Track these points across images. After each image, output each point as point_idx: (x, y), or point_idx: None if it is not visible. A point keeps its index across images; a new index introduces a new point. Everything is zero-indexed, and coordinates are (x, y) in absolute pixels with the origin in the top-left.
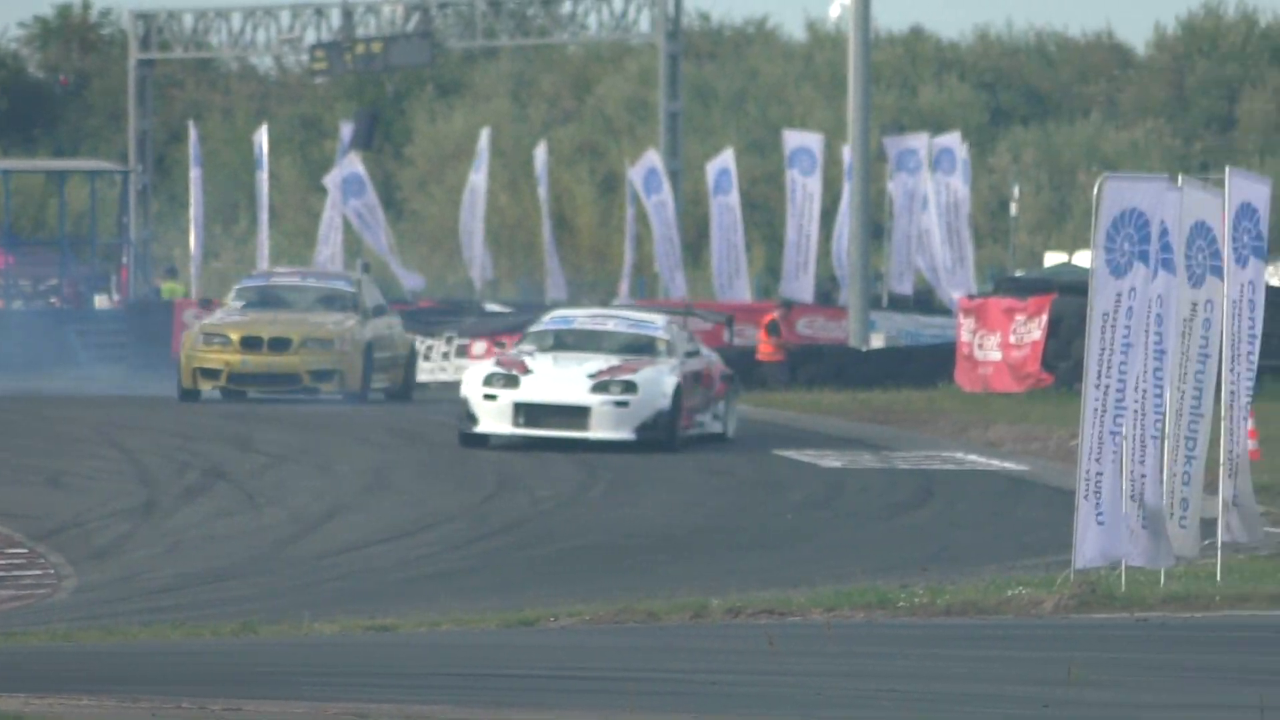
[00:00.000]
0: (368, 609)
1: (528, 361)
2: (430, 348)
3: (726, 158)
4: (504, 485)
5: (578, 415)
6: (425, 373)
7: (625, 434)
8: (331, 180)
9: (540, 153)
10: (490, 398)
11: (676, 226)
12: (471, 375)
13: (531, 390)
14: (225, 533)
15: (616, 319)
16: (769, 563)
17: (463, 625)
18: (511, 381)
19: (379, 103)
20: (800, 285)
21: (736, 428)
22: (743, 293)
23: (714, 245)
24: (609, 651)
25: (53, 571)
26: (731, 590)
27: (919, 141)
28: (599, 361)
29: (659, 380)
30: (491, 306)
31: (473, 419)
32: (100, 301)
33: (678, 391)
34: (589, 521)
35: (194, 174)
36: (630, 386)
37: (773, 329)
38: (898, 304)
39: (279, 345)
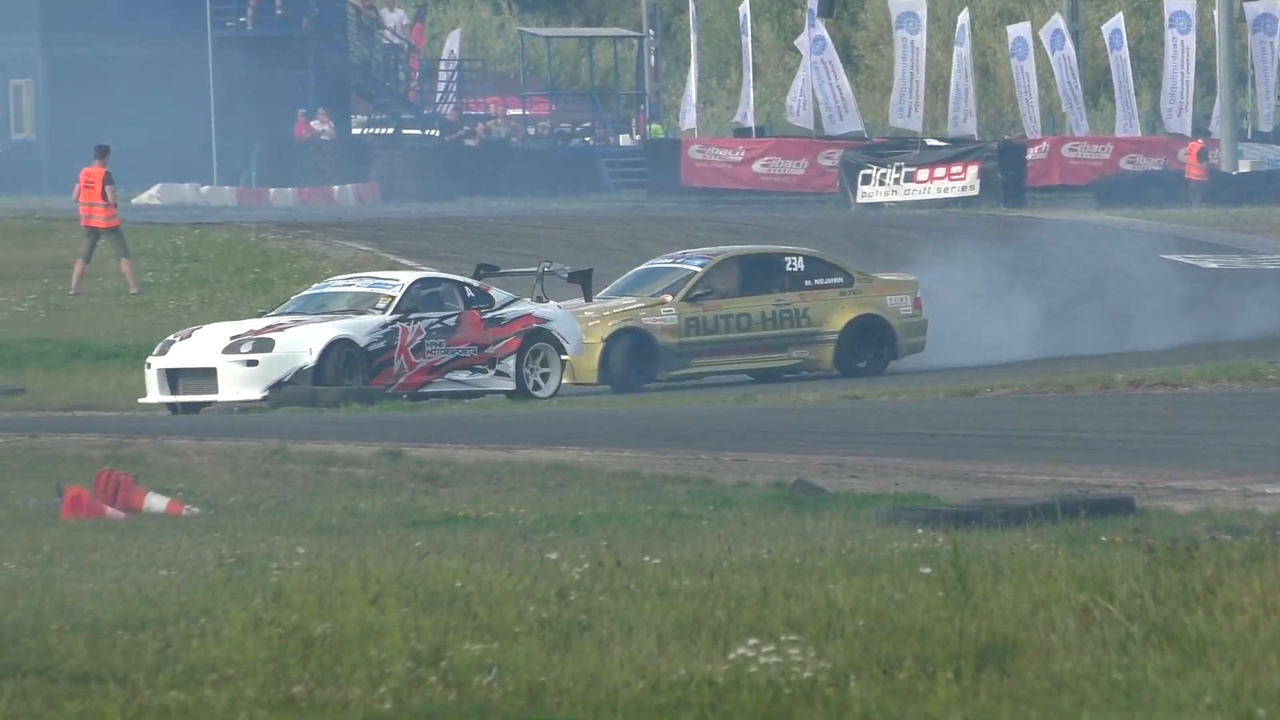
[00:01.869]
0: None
1: (196, 329)
2: (883, 174)
3: (1118, 20)
4: None
5: (207, 376)
6: (880, 195)
7: (254, 393)
8: (801, 41)
9: (963, 17)
10: (148, 365)
11: (1079, 75)
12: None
13: (176, 356)
14: None
15: (362, 280)
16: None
17: (917, 395)
18: (165, 348)
19: None
20: (1179, 123)
21: (557, 389)
22: (1134, 129)
23: (1115, 90)
24: (1033, 415)
25: None
26: (1131, 367)
27: (1270, 6)
28: (259, 323)
29: (308, 336)
30: (931, 141)
31: (144, 390)
32: (623, 140)
33: (338, 346)
34: None
35: (693, 39)
36: (264, 345)
37: (1203, 155)
38: (1260, 138)
39: None
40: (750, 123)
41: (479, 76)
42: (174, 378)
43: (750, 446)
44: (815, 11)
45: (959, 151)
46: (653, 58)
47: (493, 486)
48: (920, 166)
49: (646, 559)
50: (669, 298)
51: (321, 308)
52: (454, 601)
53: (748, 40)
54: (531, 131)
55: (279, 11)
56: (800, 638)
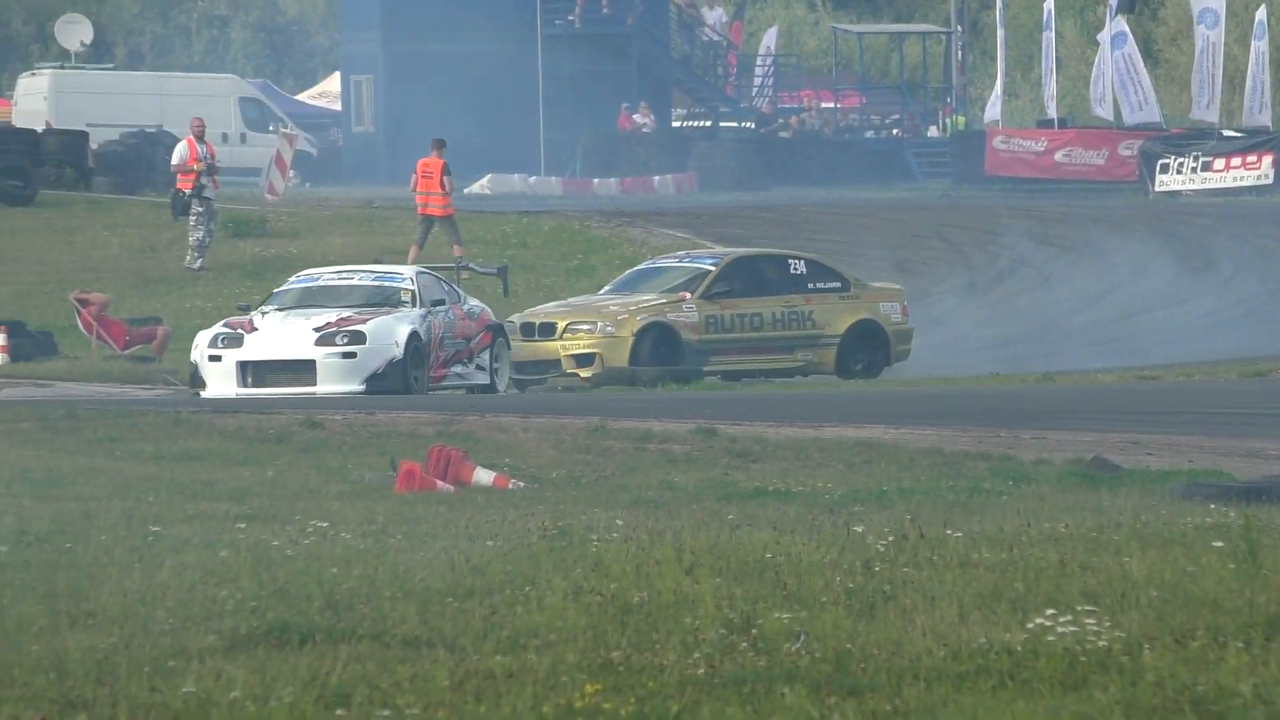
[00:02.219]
0: (1134, 362)
1: (255, 320)
2: (1181, 164)
3: None
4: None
5: (303, 370)
6: (1177, 183)
7: (354, 385)
8: (1102, 36)
9: (1260, 13)
10: (215, 359)
11: None
12: (199, 339)
13: (255, 348)
14: (1026, 305)
15: (362, 274)
16: None
17: (1210, 376)
18: (235, 341)
19: None
20: None
21: (509, 383)
22: None
23: None
24: None
25: None
26: None
27: None
28: (329, 315)
29: (391, 329)
30: (1227, 133)
31: (200, 382)
32: (930, 132)
33: (413, 339)
34: None
35: (1000, 35)
36: (358, 337)
37: None
38: None
39: None
40: (1052, 114)
41: (793, 71)
42: (258, 370)
43: (1048, 425)
44: (1116, 7)
45: (1254, 142)
46: (959, 53)
47: (801, 462)
48: (1217, 156)
49: (948, 532)
50: (688, 295)
51: (322, 301)
52: (764, 572)
53: (1051, 35)
54: (842, 123)
55: (605, 10)
56: (1096, 608)
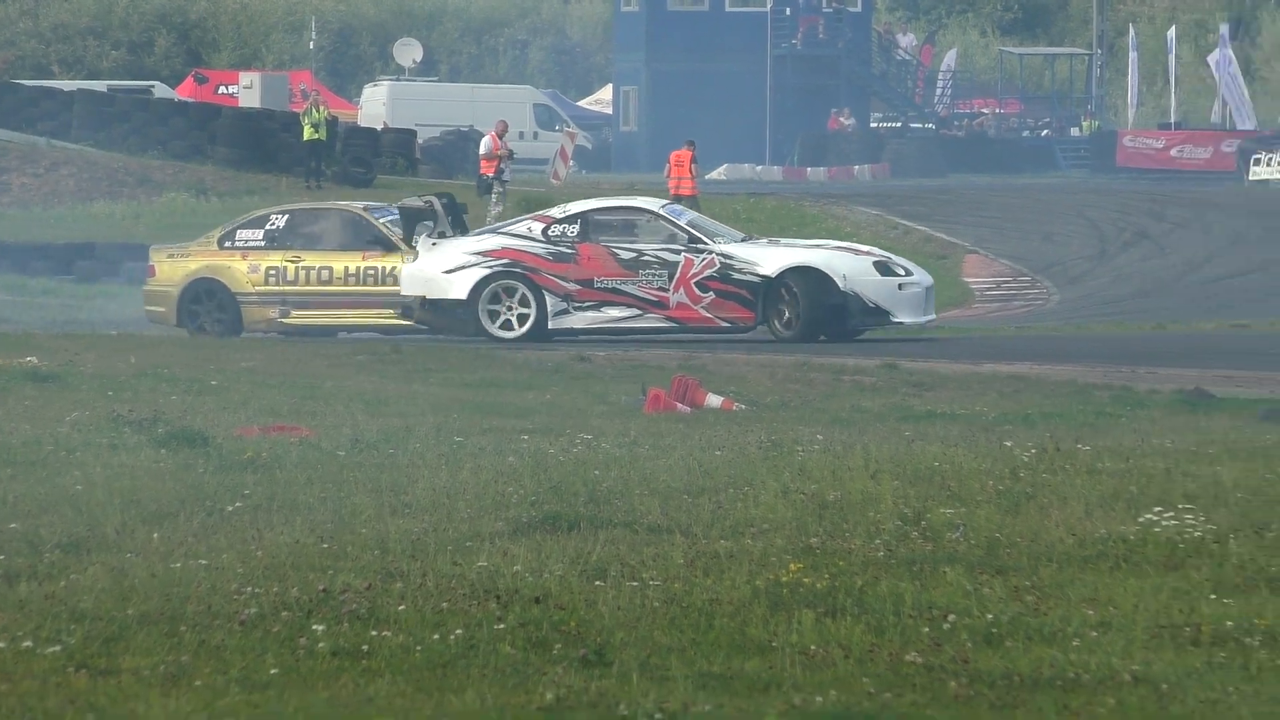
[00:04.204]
0: (1230, 316)
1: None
2: (1270, 158)
3: None
4: None
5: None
6: (1266, 174)
7: None
8: (1212, 57)
9: None
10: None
11: None
12: None
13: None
14: (1145, 269)
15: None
16: None
17: None
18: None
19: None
20: None
21: None
22: None
23: None
24: None
25: (1044, 291)
26: None
27: None
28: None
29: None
30: None
31: None
32: (1073, 132)
33: None
34: None
35: (1132, 56)
36: None
37: None
38: None
39: None
40: (1171, 119)
41: (967, 83)
42: None
43: (1159, 363)
44: (1226, 36)
45: None
46: (1098, 69)
47: (964, 391)
48: None
49: (1079, 446)
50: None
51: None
52: (932, 477)
53: (1172, 57)
54: (1005, 125)
55: (821, 35)
56: (1194, 507)
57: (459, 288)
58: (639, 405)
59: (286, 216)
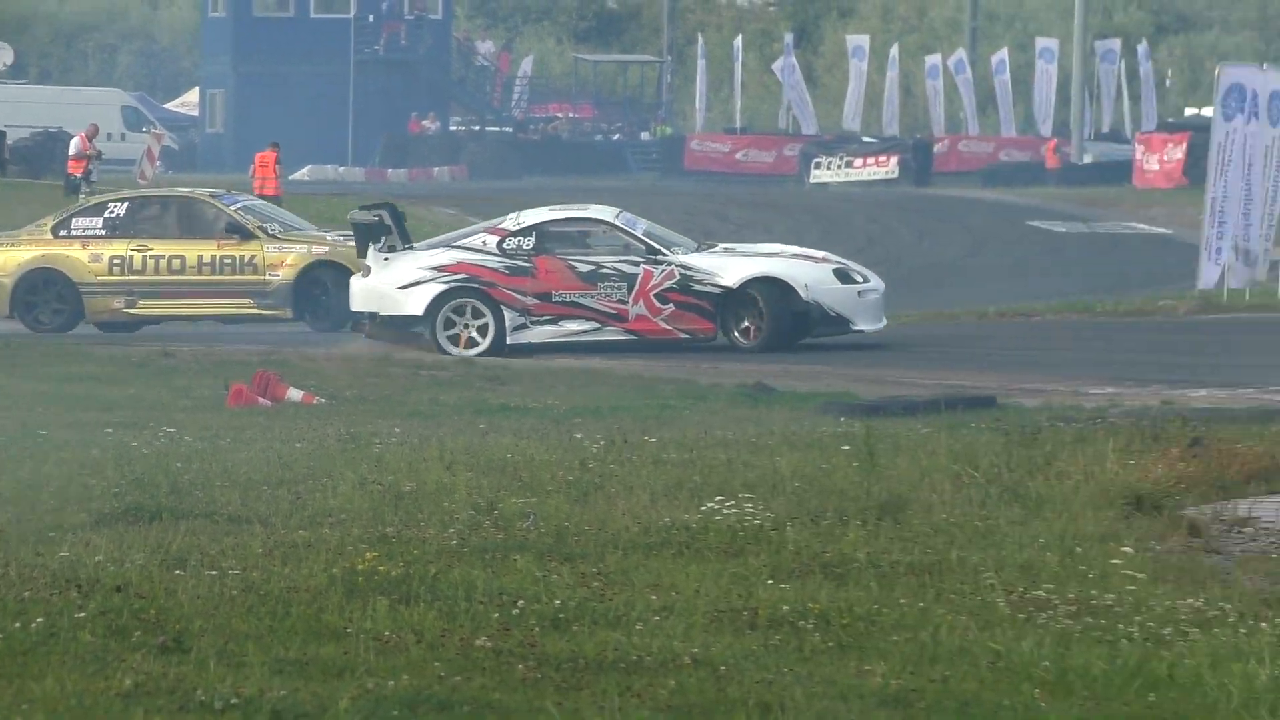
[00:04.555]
0: None
1: None
2: (830, 162)
3: (1003, 53)
4: None
5: None
6: (826, 177)
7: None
8: (777, 66)
9: (894, 50)
10: None
11: (973, 91)
12: None
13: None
14: None
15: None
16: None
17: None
18: None
19: None
20: (1044, 127)
21: None
22: (1011, 130)
23: (999, 103)
24: (927, 337)
25: None
26: (1001, 302)
27: (1114, 44)
28: None
29: None
30: (865, 138)
31: None
32: (643, 136)
33: None
34: None
35: (700, 64)
36: None
37: (1058, 150)
38: (1102, 137)
39: None
40: (736, 124)
41: (543, 89)
42: None
43: (720, 360)
44: (790, 45)
45: (885, 146)
46: (668, 76)
47: (537, 385)
48: (857, 156)
49: (645, 438)
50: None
51: None
52: (505, 468)
53: (738, 65)
54: (578, 129)
55: (403, 42)
56: (753, 495)
57: (414, 304)
58: (221, 399)
59: (126, 204)
